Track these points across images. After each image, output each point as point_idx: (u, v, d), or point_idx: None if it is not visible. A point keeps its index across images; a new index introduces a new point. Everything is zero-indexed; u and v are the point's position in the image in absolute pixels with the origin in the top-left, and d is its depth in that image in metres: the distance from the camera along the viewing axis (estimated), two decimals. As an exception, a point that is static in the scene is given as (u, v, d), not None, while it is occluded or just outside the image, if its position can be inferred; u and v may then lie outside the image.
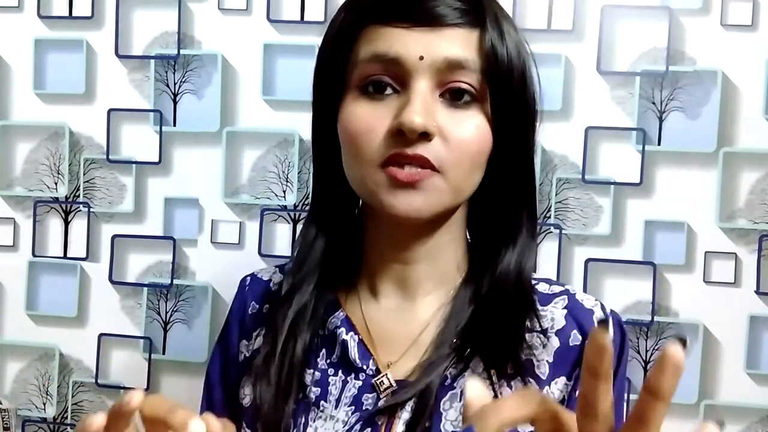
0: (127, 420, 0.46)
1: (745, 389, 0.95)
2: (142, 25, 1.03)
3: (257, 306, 0.73)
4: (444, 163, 0.60)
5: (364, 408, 0.64)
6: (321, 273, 0.69)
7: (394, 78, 0.61)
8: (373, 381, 0.65)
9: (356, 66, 0.62)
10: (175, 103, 1.03)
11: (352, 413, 0.64)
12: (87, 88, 1.04)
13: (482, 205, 0.68)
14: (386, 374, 0.65)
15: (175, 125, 1.03)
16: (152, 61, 1.03)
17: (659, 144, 0.96)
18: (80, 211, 1.06)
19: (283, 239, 1.02)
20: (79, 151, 1.05)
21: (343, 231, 0.70)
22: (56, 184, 1.06)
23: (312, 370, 0.67)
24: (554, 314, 0.66)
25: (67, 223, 1.06)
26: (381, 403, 0.64)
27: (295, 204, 1.01)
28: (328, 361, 0.67)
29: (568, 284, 0.70)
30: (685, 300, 0.96)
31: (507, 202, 0.66)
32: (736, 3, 0.94)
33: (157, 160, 1.03)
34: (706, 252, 0.96)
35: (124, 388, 1.04)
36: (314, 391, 0.66)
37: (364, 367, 0.66)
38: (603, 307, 0.68)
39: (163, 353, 1.04)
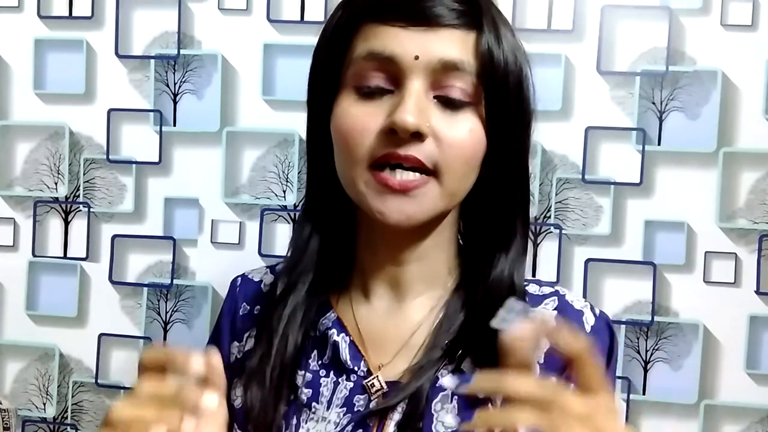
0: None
1: (745, 389, 0.95)
2: (142, 25, 1.03)
3: (248, 307, 0.73)
4: (437, 165, 0.60)
5: (355, 409, 0.64)
6: (315, 273, 0.69)
7: (388, 77, 0.61)
8: (364, 383, 0.65)
9: (351, 64, 0.62)
10: (175, 103, 1.03)
11: (344, 414, 0.64)
12: (87, 88, 1.04)
13: (476, 209, 0.68)
14: (377, 376, 0.65)
15: (175, 125, 1.03)
16: (152, 61, 1.03)
17: (659, 144, 0.96)
18: (80, 211, 1.06)
19: (283, 239, 1.02)
20: (79, 151, 1.05)
21: (337, 231, 0.69)
22: (56, 184, 1.06)
23: (303, 372, 0.67)
24: (545, 316, 0.66)
25: (67, 223, 1.06)
26: (372, 405, 0.64)
27: (295, 204, 1.01)
28: (320, 362, 0.67)
29: (557, 285, 0.71)
30: (685, 300, 0.96)
31: (501, 207, 0.66)
32: (736, 3, 0.94)
33: (157, 160, 1.03)
34: (706, 252, 0.96)
35: (124, 388, 1.04)
36: (306, 393, 0.66)
37: (356, 368, 0.66)
38: (592, 308, 0.68)
39: (163, 353, 1.04)
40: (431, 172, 0.60)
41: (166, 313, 1.04)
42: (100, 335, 1.05)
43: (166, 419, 0.49)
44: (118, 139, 1.04)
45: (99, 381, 1.05)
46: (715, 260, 0.95)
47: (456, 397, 0.63)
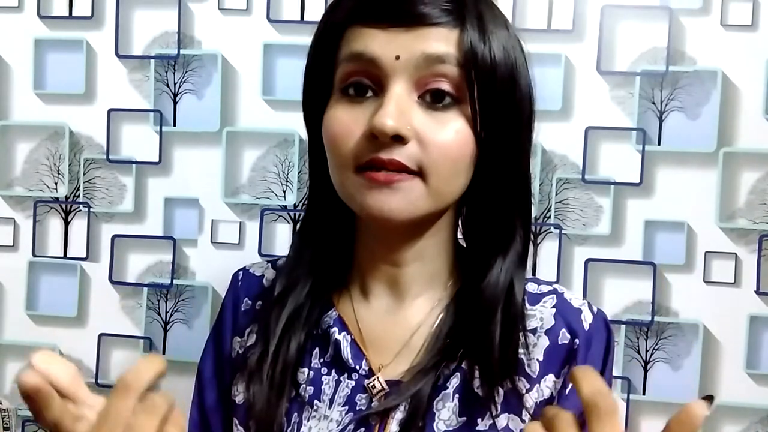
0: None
1: (745, 389, 0.95)
2: (142, 25, 1.03)
3: (250, 302, 0.73)
4: (422, 166, 0.59)
5: (357, 408, 0.64)
6: (315, 273, 0.69)
7: (372, 79, 0.60)
8: (365, 383, 0.65)
9: (338, 67, 0.62)
10: (175, 103, 1.03)
11: (346, 413, 0.64)
12: (87, 88, 1.04)
13: (476, 211, 0.67)
14: (378, 377, 0.65)
15: (175, 125, 1.03)
16: (152, 61, 1.03)
17: (659, 144, 0.96)
18: (80, 211, 1.06)
19: (283, 239, 1.02)
20: (79, 151, 1.05)
21: (338, 232, 0.70)
22: (56, 184, 1.06)
23: (305, 369, 0.67)
24: (543, 314, 0.67)
25: (67, 223, 1.06)
26: (374, 404, 0.64)
27: (295, 204, 1.01)
28: (322, 360, 0.67)
29: (555, 283, 0.71)
30: (685, 300, 0.96)
31: (500, 209, 0.65)
32: (736, 3, 0.94)
33: (157, 160, 1.03)
34: (706, 252, 0.96)
35: (124, 388, 1.04)
36: (308, 390, 0.66)
37: (357, 367, 0.66)
38: (590, 306, 0.68)
39: (163, 353, 1.04)
40: (417, 173, 0.60)
41: (166, 313, 1.04)
42: (100, 335, 1.05)
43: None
44: (118, 139, 1.04)
45: (99, 381, 1.05)
46: (715, 260, 0.95)
47: (457, 396, 0.63)
